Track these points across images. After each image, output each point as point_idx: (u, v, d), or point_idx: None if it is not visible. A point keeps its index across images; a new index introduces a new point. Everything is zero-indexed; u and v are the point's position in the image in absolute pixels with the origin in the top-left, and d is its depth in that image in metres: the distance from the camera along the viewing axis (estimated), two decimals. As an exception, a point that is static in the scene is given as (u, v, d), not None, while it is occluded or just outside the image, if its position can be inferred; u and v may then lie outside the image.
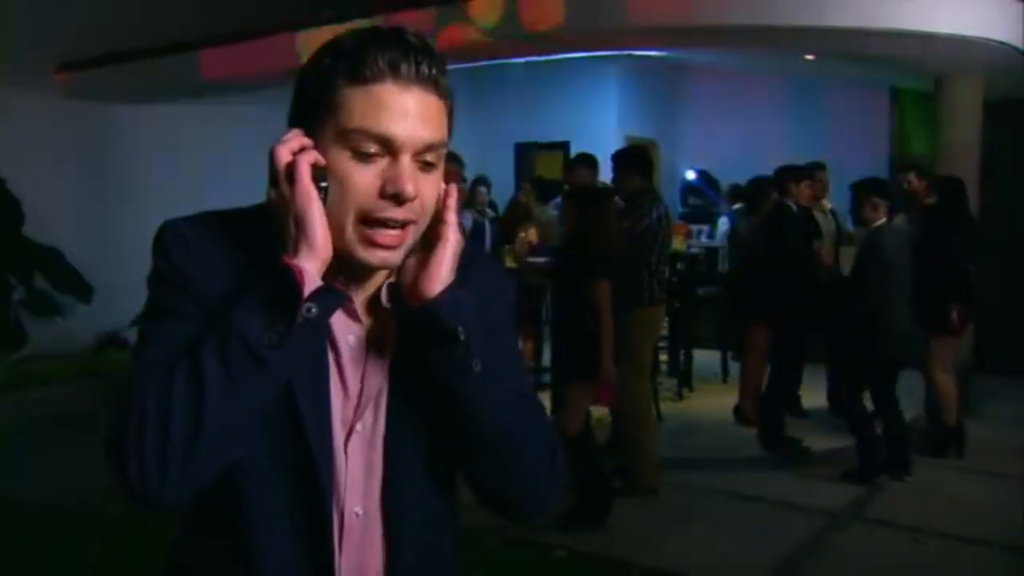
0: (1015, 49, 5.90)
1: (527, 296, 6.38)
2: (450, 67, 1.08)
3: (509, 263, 6.42)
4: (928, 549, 4.15)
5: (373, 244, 1.03)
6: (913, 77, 7.42)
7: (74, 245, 7.47)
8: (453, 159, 6.15)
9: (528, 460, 1.13)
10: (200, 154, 8.19)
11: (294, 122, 1.07)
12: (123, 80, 7.70)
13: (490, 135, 9.63)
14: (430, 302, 1.04)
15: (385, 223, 1.03)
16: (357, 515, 1.11)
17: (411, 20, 5.74)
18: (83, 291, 7.43)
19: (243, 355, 0.96)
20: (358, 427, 1.11)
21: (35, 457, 5.29)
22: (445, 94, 1.07)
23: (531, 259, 6.49)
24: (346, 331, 1.10)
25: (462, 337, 1.04)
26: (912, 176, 5.87)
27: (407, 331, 1.08)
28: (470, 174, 7.06)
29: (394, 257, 1.05)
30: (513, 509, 1.19)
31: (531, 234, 7.04)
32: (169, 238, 1.06)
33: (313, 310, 0.99)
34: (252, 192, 1.14)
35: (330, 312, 1.03)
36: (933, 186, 5.65)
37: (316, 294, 0.99)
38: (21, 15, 7.53)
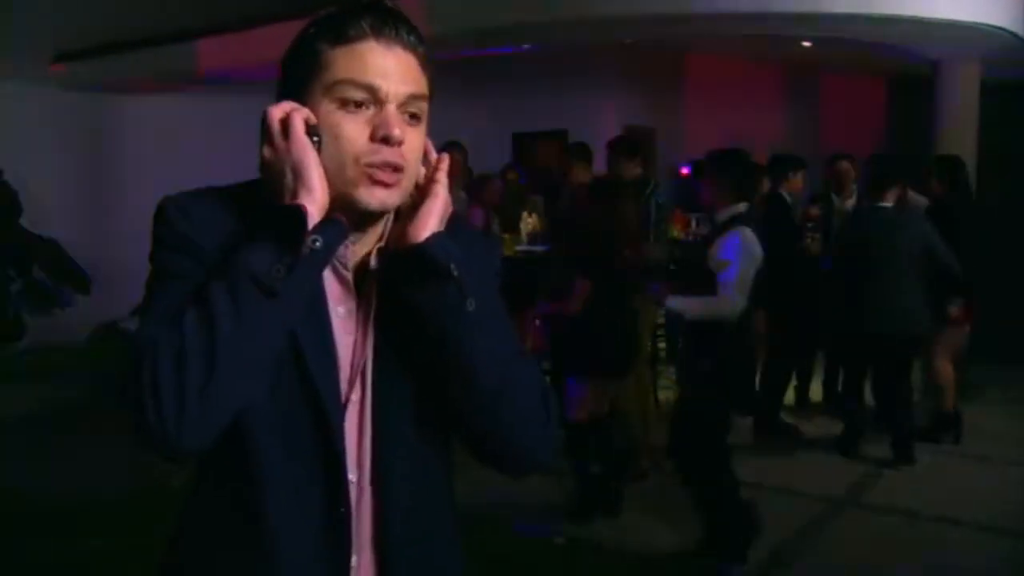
0: (1012, 35, 5.89)
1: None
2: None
3: (508, 251, 6.33)
4: (924, 533, 4.17)
5: (374, 181, 1.07)
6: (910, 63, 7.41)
7: (72, 236, 7.48)
8: (456, 147, 6.15)
9: (521, 410, 1.15)
10: (197, 144, 8.18)
11: (282, 96, 1.11)
12: (120, 71, 7.69)
13: (487, 124, 9.60)
14: (421, 244, 1.08)
15: (379, 165, 1.07)
16: (352, 483, 1.14)
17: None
18: (81, 282, 7.43)
19: (252, 289, 0.99)
20: (353, 397, 1.14)
21: (34, 449, 5.29)
22: (424, 57, 1.11)
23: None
24: (337, 302, 1.13)
25: (455, 273, 1.07)
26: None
27: (398, 285, 1.10)
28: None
29: (392, 199, 1.09)
30: (508, 461, 1.20)
31: (534, 219, 6.96)
32: (169, 208, 1.09)
33: (318, 242, 1.02)
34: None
35: (335, 243, 1.06)
36: (936, 170, 5.59)
37: (320, 226, 1.03)
38: (19, 6, 7.50)
